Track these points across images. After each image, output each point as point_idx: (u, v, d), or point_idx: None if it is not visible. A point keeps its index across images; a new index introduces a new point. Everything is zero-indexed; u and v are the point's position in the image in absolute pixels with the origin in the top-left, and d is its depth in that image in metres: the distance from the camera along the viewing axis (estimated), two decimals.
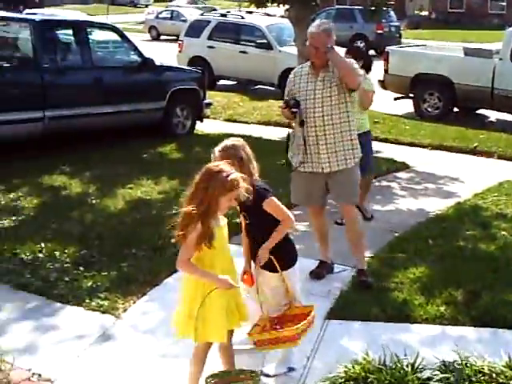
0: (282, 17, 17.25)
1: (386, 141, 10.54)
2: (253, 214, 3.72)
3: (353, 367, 3.52)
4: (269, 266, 3.75)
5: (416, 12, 48.24)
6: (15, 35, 9.90)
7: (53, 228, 6.12)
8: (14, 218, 6.36)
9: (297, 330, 3.62)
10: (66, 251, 5.56)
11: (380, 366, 3.50)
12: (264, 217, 3.70)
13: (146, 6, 53.39)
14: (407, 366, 3.49)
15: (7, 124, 8.20)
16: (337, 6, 32.88)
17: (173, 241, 3.45)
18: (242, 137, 3.98)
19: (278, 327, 3.75)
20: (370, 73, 6.66)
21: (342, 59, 4.94)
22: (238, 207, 3.69)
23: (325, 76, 4.90)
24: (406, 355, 3.63)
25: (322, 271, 5.33)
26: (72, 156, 8.71)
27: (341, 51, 5.41)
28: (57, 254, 5.50)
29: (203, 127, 11.15)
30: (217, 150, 3.69)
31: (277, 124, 11.46)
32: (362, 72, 5.33)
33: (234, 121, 12.43)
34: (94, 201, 7.01)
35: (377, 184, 7.92)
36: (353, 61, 5.10)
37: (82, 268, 5.27)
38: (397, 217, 6.94)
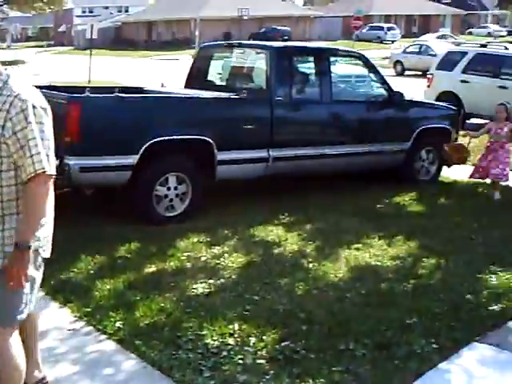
0: None
1: None
2: None
3: None
4: None
5: None
6: (250, 64, 8.89)
7: (254, 300, 4.85)
8: (211, 281, 5.19)
9: None
10: (264, 338, 4.23)
11: None
12: None
13: (393, 41, 52.49)
14: None
15: (232, 164, 7.18)
16: None
17: None
18: None
19: None
20: None
21: None
22: None
23: None
24: None
25: None
26: (291, 203, 7.54)
27: None
28: (251, 341, 4.19)
29: (449, 173, 9.49)
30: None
31: None
32: None
33: None
34: (311, 264, 5.66)
35: None
36: None
37: (280, 364, 3.91)
38: None
